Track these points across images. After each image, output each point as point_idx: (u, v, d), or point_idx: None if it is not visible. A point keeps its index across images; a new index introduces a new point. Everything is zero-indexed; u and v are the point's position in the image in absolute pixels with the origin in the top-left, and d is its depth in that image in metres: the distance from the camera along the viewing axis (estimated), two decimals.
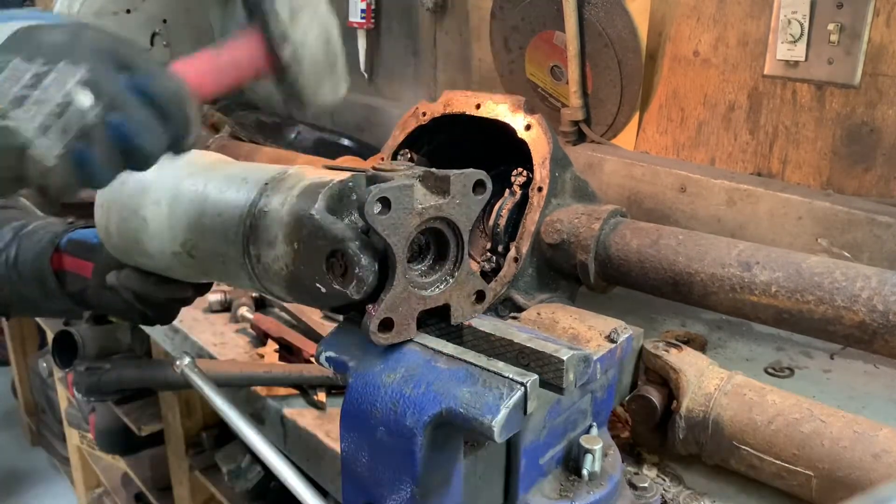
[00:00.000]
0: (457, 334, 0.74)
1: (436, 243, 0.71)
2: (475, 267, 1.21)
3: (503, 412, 0.62)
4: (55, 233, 0.97)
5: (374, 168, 0.72)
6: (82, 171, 0.57)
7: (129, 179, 0.84)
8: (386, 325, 0.68)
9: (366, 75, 2.32)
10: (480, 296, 0.74)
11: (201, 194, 0.80)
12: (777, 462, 0.84)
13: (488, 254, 1.26)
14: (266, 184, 0.76)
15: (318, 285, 0.69)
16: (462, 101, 1.31)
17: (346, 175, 0.71)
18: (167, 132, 0.61)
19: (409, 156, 1.39)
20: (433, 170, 0.70)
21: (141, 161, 0.60)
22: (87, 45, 0.57)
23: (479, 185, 0.70)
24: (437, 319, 0.73)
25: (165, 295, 0.92)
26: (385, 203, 0.64)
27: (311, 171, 0.77)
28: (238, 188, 0.78)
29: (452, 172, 0.69)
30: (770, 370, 1.15)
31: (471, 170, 0.70)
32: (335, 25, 0.74)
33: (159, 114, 0.60)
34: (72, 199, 0.60)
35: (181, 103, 0.62)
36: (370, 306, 0.67)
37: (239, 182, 0.79)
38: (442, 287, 0.71)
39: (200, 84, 0.68)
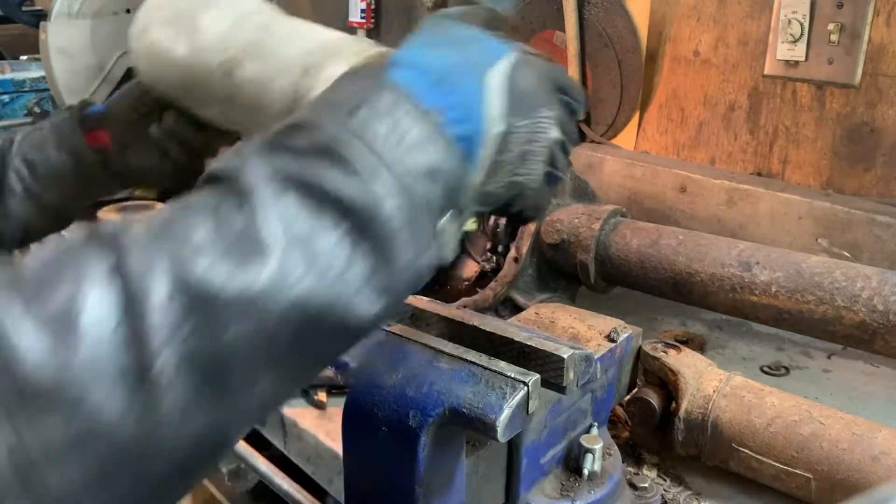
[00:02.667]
0: (458, 333, 0.74)
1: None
2: (475, 267, 1.21)
3: (506, 411, 0.62)
4: (63, 121, 0.91)
5: None
6: (544, 190, 0.63)
7: None
8: None
9: None
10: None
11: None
12: (776, 464, 0.84)
13: (488, 254, 1.26)
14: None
15: None
16: None
17: None
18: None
19: None
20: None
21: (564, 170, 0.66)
22: (547, 82, 0.60)
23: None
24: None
25: (207, 140, 0.90)
26: None
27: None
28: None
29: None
30: (766, 369, 1.15)
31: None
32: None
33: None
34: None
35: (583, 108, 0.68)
36: None
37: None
38: None
39: None
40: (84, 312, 0.41)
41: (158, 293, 0.42)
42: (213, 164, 0.50)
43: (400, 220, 0.49)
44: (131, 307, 0.42)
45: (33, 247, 0.48)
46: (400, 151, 0.50)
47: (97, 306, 0.41)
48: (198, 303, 0.43)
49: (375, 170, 0.48)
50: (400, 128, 0.50)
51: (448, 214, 0.53)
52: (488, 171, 0.56)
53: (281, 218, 0.46)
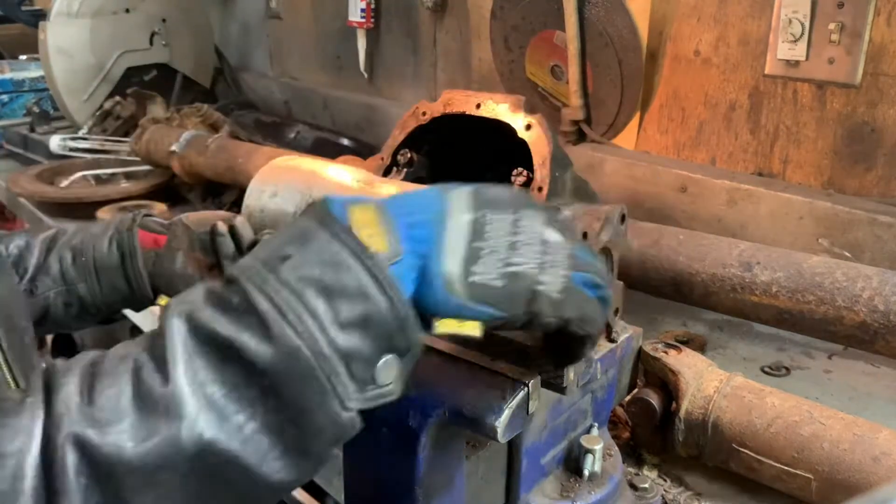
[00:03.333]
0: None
1: None
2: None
3: (506, 412, 0.62)
4: (123, 223, 0.95)
5: None
6: (586, 297, 0.60)
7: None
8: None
9: (366, 75, 2.32)
10: (617, 311, 0.86)
11: None
12: (777, 465, 0.84)
13: None
14: None
15: None
16: (462, 101, 1.31)
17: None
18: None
19: (408, 156, 1.38)
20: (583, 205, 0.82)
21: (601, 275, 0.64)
22: (527, 197, 0.62)
23: (623, 218, 0.85)
24: None
25: None
26: (584, 237, 0.76)
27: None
28: None
29: (611, 208, 0.82)
30: (767, 369, 1.15)
31: (618, 205, 0.85)
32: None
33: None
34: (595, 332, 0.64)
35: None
36: None
37: None
38: None
39: None
40: (26, 478, 0.47)
41: (69, 465, 0.47)
42: (166, 305, 0.54)
43: (315, 378, 0.50)
44: (50, 479, 0.47)
45: None
46: (327, 303, 0.50)
47: (14, 476, 0.47)
48: (104, 472, 0.48)
49: (295, 329, 0.50)
50: (327, 275, 0.51)
51: (386, 357, 0.52)
52: (466, 257, 0.55)
53: (194, 380, 0.49)
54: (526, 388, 0.63)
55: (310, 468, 0.53)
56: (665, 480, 0.93)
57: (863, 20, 1.27)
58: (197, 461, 0.49)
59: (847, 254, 1.27)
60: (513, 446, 0.76)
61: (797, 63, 1.37)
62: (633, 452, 0.97)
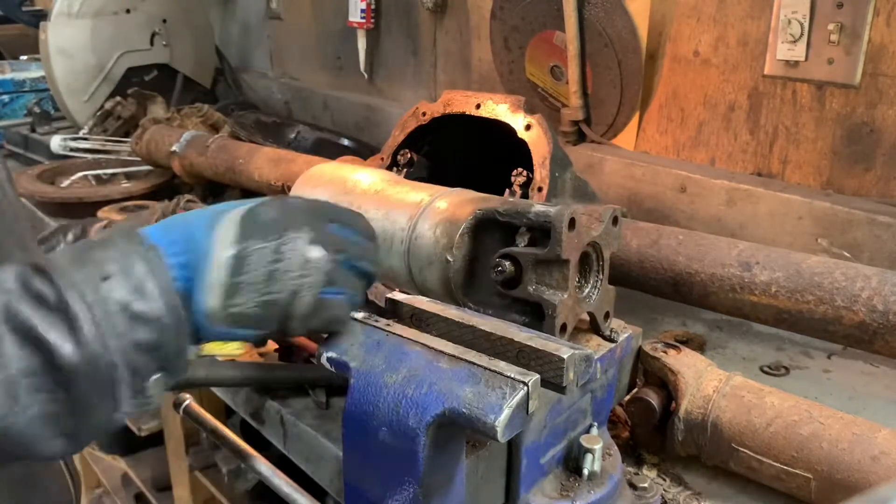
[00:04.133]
0: (458, 333, 0.74)
1: (581, 264, 0.83)
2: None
3: (506, 412, 0.62)
4: None
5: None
6: (333, 305, 0.69)
7: None
8: (563, 328, 0.79)
9: (366, 75, 2.32)
10: (607, 315, 0.89)
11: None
12: (776, 464, 0.84)
13: None
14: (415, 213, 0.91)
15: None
16: (462, 101, 1.31)
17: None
18: (373, 252, 0.76)
19: (408, 156, 1.39)
20: (583, 205, 0.85)
21: (370, 279, 0.74)
22: (298, 212, 0.68)
23: (615, 219, 0.86)
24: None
25: None
26: (573, 224, 0.77)
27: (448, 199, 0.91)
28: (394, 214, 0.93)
29: (604, 208, 0.85)
30: (766, 369, 1.15)
31: (612, 206, 0.88)
32: None
33: (366, 243, 0.74)
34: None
35: (373, 232, 0.77)
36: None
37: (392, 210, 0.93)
38: (591, 300, 0.85)
39: None
40: None
41: None
42: None
43: (104, 384, 0.57)
44: None
45: None
46: (132, 325, 0.58)
47: None
48: None
49: (101, 338, 0.56)
50: (138, 302, 0.58)
51: (157, 375, 0.61)
52: (226, 293, 0.62)
53: None
54: (526, 388, 0.63)
55: (79, 447, 0.61)
56: (664, 480, 0.93)
57: (862, 20, 1.28)
58: None
59: (846, 254, 1.27)
60: (513, 446, 0.76)
61: (796, 63, 1.37)
62: (632, 452, 0.98)
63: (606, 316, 0.88)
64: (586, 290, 0.86)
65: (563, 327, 0.80)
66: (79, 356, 0.56)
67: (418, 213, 0.90)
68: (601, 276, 0.86)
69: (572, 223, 0.77)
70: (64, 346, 0.55)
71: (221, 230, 0.64)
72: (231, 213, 0.66)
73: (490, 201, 0.86)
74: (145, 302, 0.59)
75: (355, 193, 0.98)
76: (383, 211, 0.93)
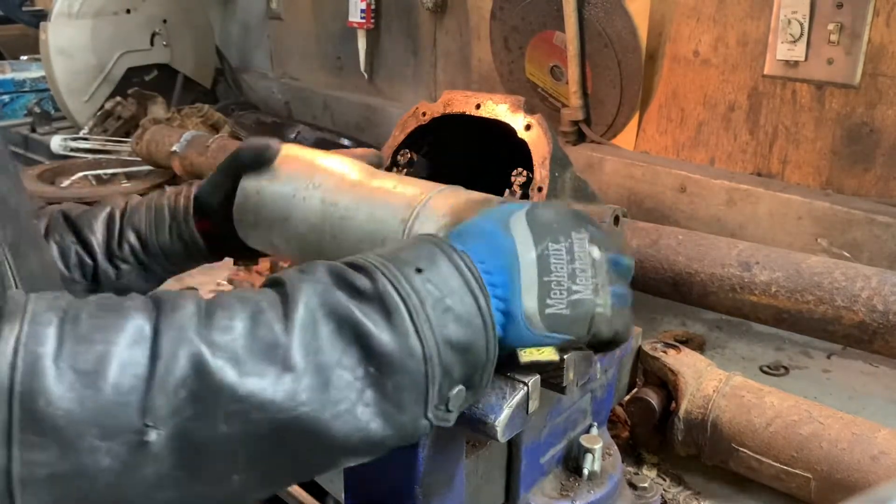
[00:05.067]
0: None
1: None
2: None
3: (506, 412, 0.62)
4: (178, 210, 0.95)
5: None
6: (623, 309, 0.65)
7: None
8: None
9: (366, 75, 2.32)
10: None
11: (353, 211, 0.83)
12: (776, 464, 0.84)
13: None
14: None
15: None
16: (462, 101, 1.31)
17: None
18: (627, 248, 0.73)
19: (408, 156, 1.39)
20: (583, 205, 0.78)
21: (630, 274, 0.69)
22: (568, 213, 0.65)
23: (616, 219, 0.84)
24: None
25: None
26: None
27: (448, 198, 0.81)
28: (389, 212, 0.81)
29: (606, 208, 0.82)
30: (766, 368, 1.15)
31: (613, 205, 0.85)
32: None
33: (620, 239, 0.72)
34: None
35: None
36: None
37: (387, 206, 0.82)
38: None
39: None
40: (110, 370, 0.47)
41: (176, 374, 0.48)
42: (282, 273, 0.57)
43: (417, 379, 0.54)
44: (151, 379, 0.47)
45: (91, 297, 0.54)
46: (444, 320, 0.55)
47: (123, 367, 0.47)
48: (207, 392, 0.48)
49: (416, 329, 0.54)
50: (449, 298, 0.56)
51: (460, 387, 0.57)
52: (539, 293, 0.60)
53: (311, 344, 0.52)
54: (526, 388, 0.63)
55: (381, 450, 0.56)
56: (664, 480, 0.93)
57: (862, 21, 1.28)
58: (286, 413, 0.50)
59: (846, 253, 1.27)
60: (513, 446, 0.76)
61: (796, 63, 1.37)
62: (632, 452, 0.98)
63: None
64: None
65: None
66: (396, 344, 0.53)
67: (412, 214, 0.80)
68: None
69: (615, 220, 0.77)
70: (381, 334, 0.53)
71: (516, 233, 0.62)
72: (513, 218, 0.63)
73: (491, 202, 0.82)
74: (454, 298, 0.56)
75: (326, 187, 0.85)
76: (366, 209, 0.82)
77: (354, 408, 0.52)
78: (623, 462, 0.89)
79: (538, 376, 0.65)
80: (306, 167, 0.88)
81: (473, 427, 0.63)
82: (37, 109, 2.54)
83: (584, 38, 1.61)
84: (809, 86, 1.38)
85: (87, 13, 2.38)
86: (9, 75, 2.76)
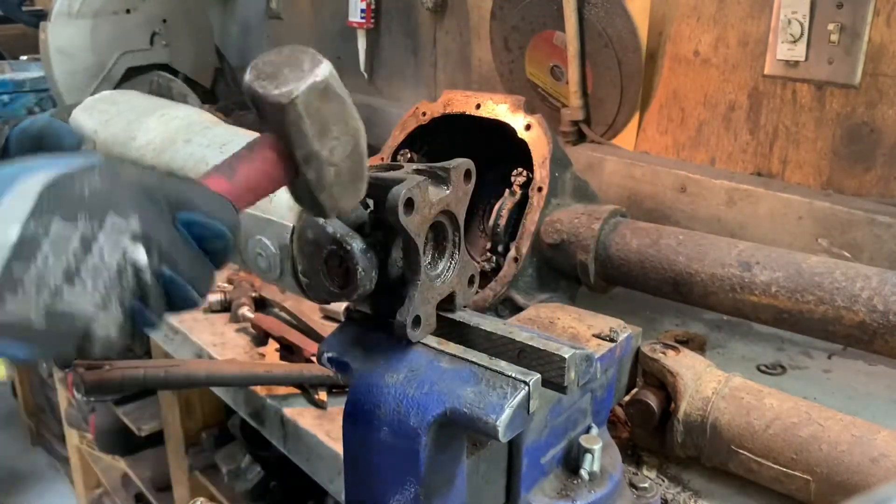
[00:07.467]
0: (458, 333, 0.74)
1: (433, 235, 0.72)
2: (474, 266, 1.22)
3: (507, 411, 0.62)
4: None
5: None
6: (137, 327, 0.50)
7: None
8: (416, 321, 0.70)
9: (366, 75, 2.32)
10: (472, 279, 0.76)
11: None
12: (775, 466, 0.84)
13: (488, 254, 1.26)
14: None
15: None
16: (462, 101, 1.31)
17: None
18: (211, 272, 0.55)
19: (408, 156, 1.39)
20: (429, 164, 0.71)
21: (186, 307, 0.54)
22: (132, 188, 0.49)
23: (468, 175, 0.72)
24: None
25: None
26: (410, 204, 0.65)
27: None
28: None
29: (451, 164, 0.70)
30: (762, 367, 1.15)
31: (460, 160, 0.71)
32: (362, 133, 0.63)
33: (206, 256, 0.54)
34: None
35: (228, 242, 0.54)
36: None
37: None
38: (448, 276, 0.73)
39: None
40: None
41: None
42: None
43: None
44: None
45: None
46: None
47: None
48: None
49: None
50: None
51: None
52: None
53: None
54: (527, 388, 0.63)
55: None
56: (664, 480, 0.93)
57: (862, 20, 1.28)
58: None
59: (846, 254, 1.27)
60: (513, 446, 0.76)
61: (796, 63, 1.37)
62: (632, 452, 0.98)
63: (472, 280, 0.76)
64: (440, 267, 0.73)
65: (417, 320, 0.70)
66: None
67: None
68: (458, 245, 0.74)
69: (410, 203, 0.66)
70: None
71: (11, 198, 0.45)
72: (27, 177, 0.46)
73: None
74: None
75: (155, 121, 0.78)
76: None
77: None
78: (623, 462, 0.89)
79: (539, 376, 0.65)
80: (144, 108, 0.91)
81: (475, 427, 0.63)
82: (37, 109, 2.54)
83: (585, 38, 1.61)
84: (810, 86, 1.38)
85: (86, 13, 2.38)
86: (8, 75, 2.75)
